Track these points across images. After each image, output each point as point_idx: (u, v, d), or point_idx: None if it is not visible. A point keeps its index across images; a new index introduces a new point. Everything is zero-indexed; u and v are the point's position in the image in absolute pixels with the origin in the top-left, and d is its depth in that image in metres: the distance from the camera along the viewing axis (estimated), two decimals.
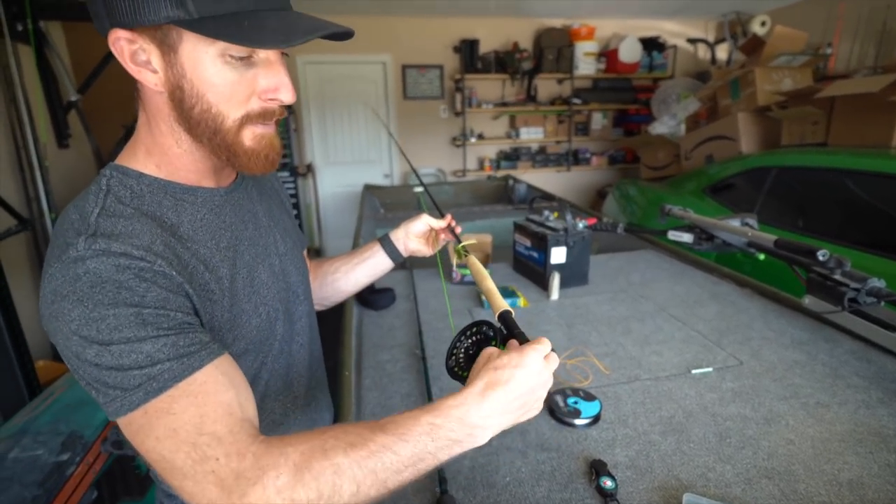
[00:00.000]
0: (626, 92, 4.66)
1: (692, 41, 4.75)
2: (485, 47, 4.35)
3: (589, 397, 0.81)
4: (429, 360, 0.96)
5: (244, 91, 0.50)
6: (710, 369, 0.91)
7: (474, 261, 0.73)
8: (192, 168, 0.55)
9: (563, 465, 0.68)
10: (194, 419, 0.42)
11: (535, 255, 1.43)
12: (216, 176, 0.58)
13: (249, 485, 0.39)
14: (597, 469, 0.65)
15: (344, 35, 0.51)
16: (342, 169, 4.55)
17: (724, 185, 2.72)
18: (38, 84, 2.24)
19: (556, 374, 0.89)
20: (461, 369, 0.55)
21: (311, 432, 0.43)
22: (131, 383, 0.42)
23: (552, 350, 0.52)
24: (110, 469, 0.93)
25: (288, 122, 3.83)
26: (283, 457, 0.40)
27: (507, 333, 0.56)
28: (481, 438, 0.46)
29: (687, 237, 1.33)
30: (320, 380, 0.77)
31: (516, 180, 3.25)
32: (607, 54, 4.52)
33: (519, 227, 1.52)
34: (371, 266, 0.85)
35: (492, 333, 0.56)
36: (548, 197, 2.86)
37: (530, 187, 3.19)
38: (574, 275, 1.39)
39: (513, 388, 0.46)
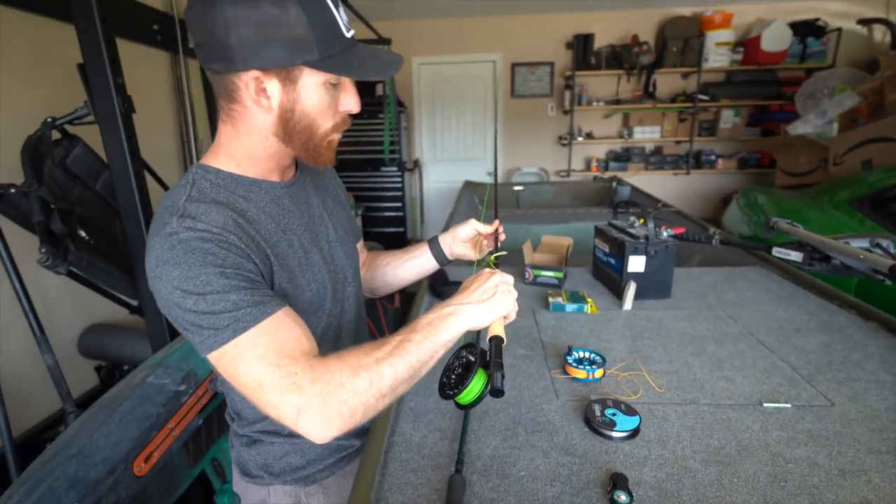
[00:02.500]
0: (767, 86, 4.10)
1: (865, 22, 3.96)
2: (600, 42, 4.16)
3: (630, 411, 0.78)
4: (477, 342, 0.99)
5: (333, 108, 0.64)
6: (787, 405, 0.81)
7: None
8: (265, 167, 0.68)
9: (583, 471, 0.67)
10: (275, 348, 0.54)
11: (612, 261, 1.37)
12: (281, 174, 0.71)
13: (324, 386, 0.52)
14: (615, 482, 0.63)
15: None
16: (447, 165, 4.72)
17: (885, 196, 2.27)
18: (200, 91, 2.73)
19: (603, 385, 0.87)
20: (450, 388, 0.59)
21: (353, 349, 0.57)
22: (222, 324, 0.53)
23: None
24: (217, 407, 1.15)
25: (399, 120, 4.08)
26: (342, 362, 0.54)
27: (487, 363, 0.59)
28: (463, 313, 0.62)
29: (795, 255, 1.16)
30: None
31: (620, 182, 3.08)
32: (745, 43, 4.02)
33: (599, 232, 1.46)
34: (417, 264, 0.92)
35: (472, 358, 0.60)
36: (653, 201, 2.66)
37: (635, 190, 2.99)
38: (654, 286, 1.30)
39: (476, 287, 0.65)
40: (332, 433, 0.53)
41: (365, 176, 4.26)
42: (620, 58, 4.11)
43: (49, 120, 1.17)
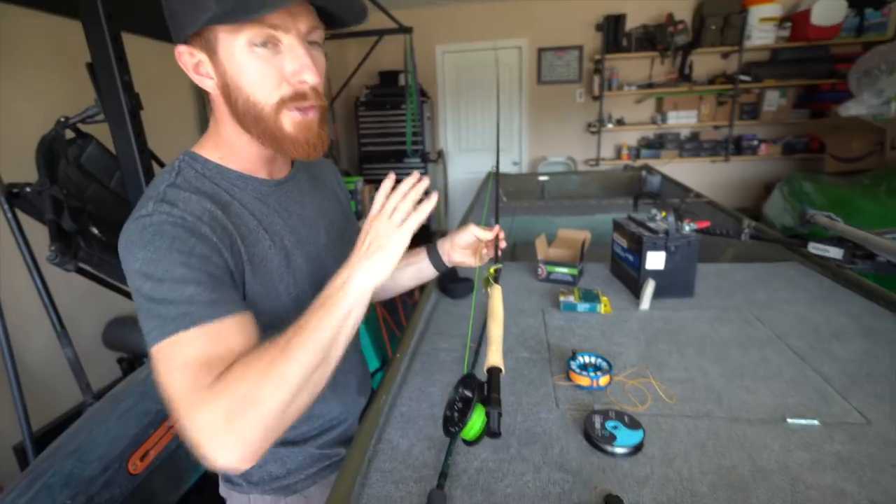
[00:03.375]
0: (818, 63, 3.79)
1: None
2: (632, 23, 3.96)
3: (633, 425, 0.72)
4: (480, 357, 0.95)
5: (273, 76, 0.55)
6: (815, 422, 0.73)
7: (497, 295, 0.69)
8: (249, 159, 0.64)
9: (575, 491, 0.62)
10: (204, 356, 0.49)
11: (629, 257, 1.29)
12: (269, 168, 0.67)
13: (227, 397, 0.47)
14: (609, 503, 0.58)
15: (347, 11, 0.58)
16: (472, 155, 4.65)
17: None
18: None
19: (607, 393, 0.82)
20: (453, 424, 0.55)
21: (253, 352, 0.51)
22: (171, 314, 0.50)
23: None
24: None
25: (422, 109, 4.03)
26: (241, 373, 0.49)
27: (486, 395, 0.53)
28: (357, 273, 0.56)
29: (835, 252, 1.06)
30: (354, 365, 0.83)
31: (650, 171, 2.93)
32: (793, 18, 3.72)
33: (617, 226, 1.38)
34: (415, 271, 0.89)
35: (469, 394, 0.55)
36: (683, 191, 2.52)
37: (666, 179, 2.84)
38: (675, 284, 1.22)
39: (361, 241, 0.59)
40: (240, 453, 0.46)
41: (388, 167, 4.25)
42: (654, 39, 3.89)
43: (62, 119, 1.20)
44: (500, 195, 3.55)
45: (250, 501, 0.75)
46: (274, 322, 0.65)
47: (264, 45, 0.53)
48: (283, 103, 0.57)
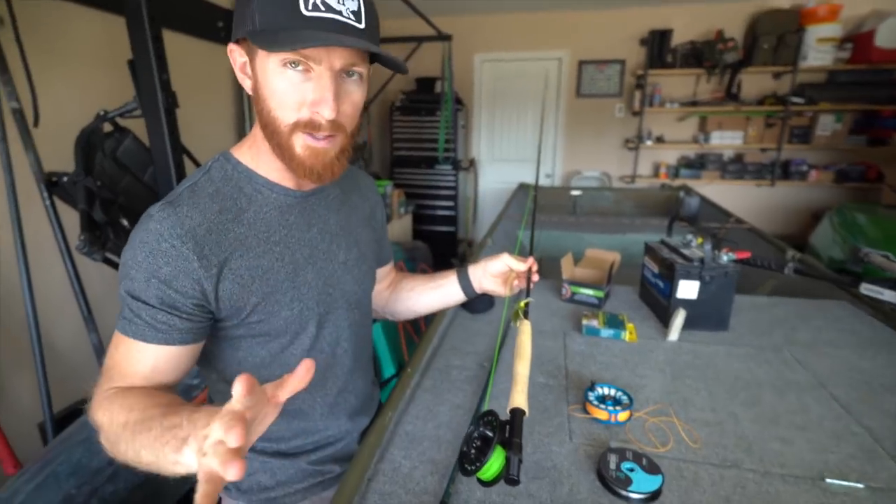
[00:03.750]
0: (880, 87, 3.57)
1: None
2: (679, 38, 3.84)
3: (652, 468, 0.67)
4: (494, 377, 0.91)
5: (295, 99, 0.55)
6: (860, 485, 0.66)
7: (526, 331, 0.66)
8: (275, 166, 0.63)
9: None
10: (116, 363, 0.57)
11: (660, 284, 1.22)
12: (295, 178, 0.65)
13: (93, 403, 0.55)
14: None
15: (379, 57, 0.58)
16: (505, 166, 4.61)
17: None
18: None
19: (627, 430, 0.77)
20: (470, 463, 0.52)
21: (131, 397, 0.53)
22: (122, 314, 0.57)
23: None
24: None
25: (456, 117, 4.03)
26: (108, 411, 0.52)
27: (507, 440, 0.50)
28: (185, 450, 0.39)
29: (890, 296, 0.97)
30: (360, 386, 0.81)
31: (689, 192, 2.81)
32: (855, 39, 3.52)
33: (649, 250, 1.32)
34: (443, 294, 0.87)
35: (490, 433, 0.52)
36: (724, 215, 2.40)
37: (705, 201, 2.72)
38: (708, 316, 1.14)
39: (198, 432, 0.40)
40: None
41: (419, 173, 4.26)
42: (701, 55, 3.76)
43: (101, 113, 1.25)
44: (530, 205, 3.50)
45: None
46: (270, 332, 0.64)
47: (295, 66, 0.54)
48: (297, 126, 0.56)
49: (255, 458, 0.72)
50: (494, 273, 0.82)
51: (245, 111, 2.56)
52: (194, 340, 0.59)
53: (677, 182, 3.86)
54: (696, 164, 4.02)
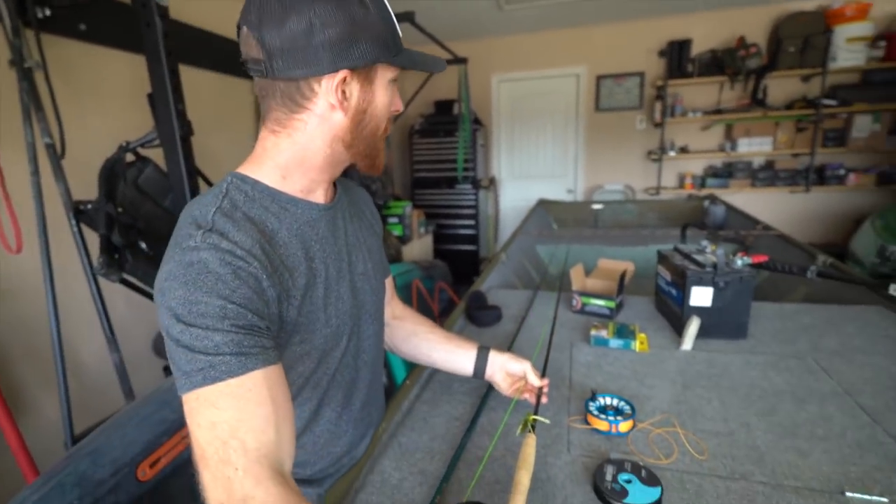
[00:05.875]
0: None
1: None
2: (699, 47, 3.79)
3: (651, 480, 0.63)
4: (493, 391, 0.90)
5: (390, 106, 0.64)
6: (884, 500, 0.60)
7: (531, 444, 0.66)
8: (315, 179, 0.63)
9: None
10: (232, 420, 0.46)
11: (673, 292, 1.18)
12: (325, 192, 0.66)
13: None
14: None
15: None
16: (526, 183, 4.60)
17: None
18: None
19: (629, 441, 0.73)
20: None
21: None
22: (195, 367, 0.47)
23: None
24: None
25: (475, 137, 4.07)
26: None
27: None
28: None
29: None
30: (377, 396, 0.81)
31: (714, 201, 2.72)
32: (889, 36, 3.38)
33: (662, 258, 1.28)
34: (453, 360, 0.87)
35: None
36: (751, 222, 2.30)
37: (731, 210, 2.62)
38: (724, 324, 1.09)
39: None
40: None
41: (439, 193, 4.30)
42: (722, 63, 3.68)
43: (124, 144, 1.34)
44: (551, 222, 3.46)
45: None
46: (310, 351, 0.63)
47: (394, 82, 0.63)
48: (386, 130, 0.65)
49: None
50: (510, 372, 0.85)
51: None
52: (281, 361, 0.54)
53: (704, 192, 3.75)
54: (724, 173, 3.89)
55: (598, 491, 0.63)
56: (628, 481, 0.63)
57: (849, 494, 0.61)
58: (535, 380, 0.82)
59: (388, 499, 0.65)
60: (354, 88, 0.58)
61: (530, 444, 0.65)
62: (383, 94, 0.61)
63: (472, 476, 0.68)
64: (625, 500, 0.60)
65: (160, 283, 0.51)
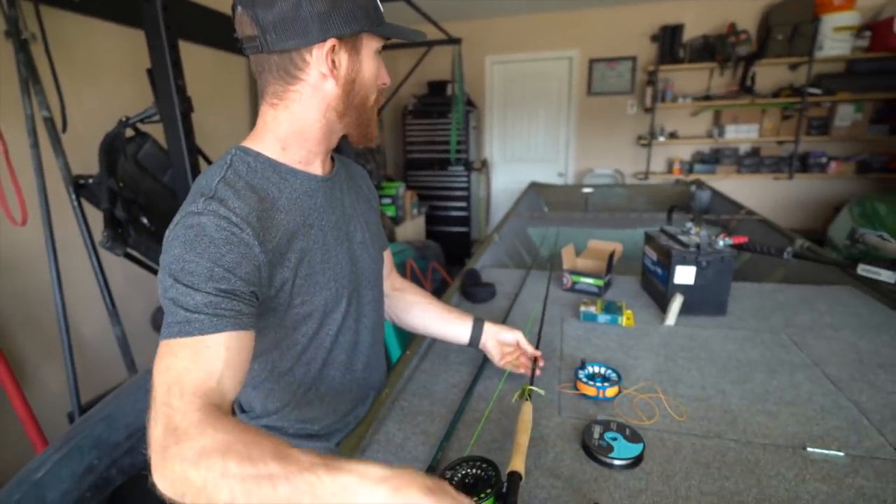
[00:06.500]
0: None
1: None
2: (690, 33, 3.82)
3: (634, 438, 0.69)
4: (488, 362, 0.95)
5: (377, 77, 0.68)
6: (840, 453, 0.67)
7: (527, 410, 0.71)
8: (312, 150, 0.68)
9: (562, 496, 0.61)
10: (181, 369, 0.49)
11: (658, 271, 1.24)
12: (322, 163, 0.71)
13: (174, 442, 0.44)
14: None
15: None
16: (517, 166, 4.63)
17: None
18: None
19: (615, 406, 0.79)
20: (450, 482, 0.57)
21: (242, 428, 0.45)
22: (175, 319, 0.52)
23: None
24: None
25: (468, 119, 4.07)
26: (202, 436, 0.43)
27: (504, 494, 0.54)
28: (359, 493, 0.40)
29: (887, 276, 0.97)
30: (378, 360, 0.86)
31: (700, 186, 2.79)
32: (873, 27, 3.44)
33: (649, 238, 1.33)
34: (451, 330, 0.92)
35: (491, 480, 0.57)
36: (735, 207, 2.38)
37: (717, 195, 2.70)
38: (705, 301, 1.16)
39: (393, 481, 0.40)
40: (166, 492, 0.43)
41: (432, 175, 4.32)
42: (713, 50, 3.72)
43: (123, 119, 1.34)
44: (542, 205, 3.51)
45: None
46: (312, 313, 0.69)
47: (379, 53, 0.67)
48: (375, 101, 0.69)
49: (290, 439, 0.76)
50: (503, 341, 0.90)
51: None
52: (254, 327, 0.57)
53: (691, 177, 3.82)
54: (711, 159, 3.97)
55: (587, 447, 0.69)
56: (614, 439, 0.69)
57: (809, 449, 0.68)
58: (528, 348, 0.87)
59: (393, 456, 0.70)
60: (343, 57, 0.62)
61: (527, 410, 0.71)
62: (370, 64, 0.65)
63: (471, 436, 0.73)
64: (610, 455, 0.66)
65: (165, 241, 0.56)
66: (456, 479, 0.59)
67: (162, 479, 0.44)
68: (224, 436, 0.43)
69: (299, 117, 0.65)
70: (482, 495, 0.56)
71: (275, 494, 0.40)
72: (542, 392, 0.81)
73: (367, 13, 0.61)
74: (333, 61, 0.61)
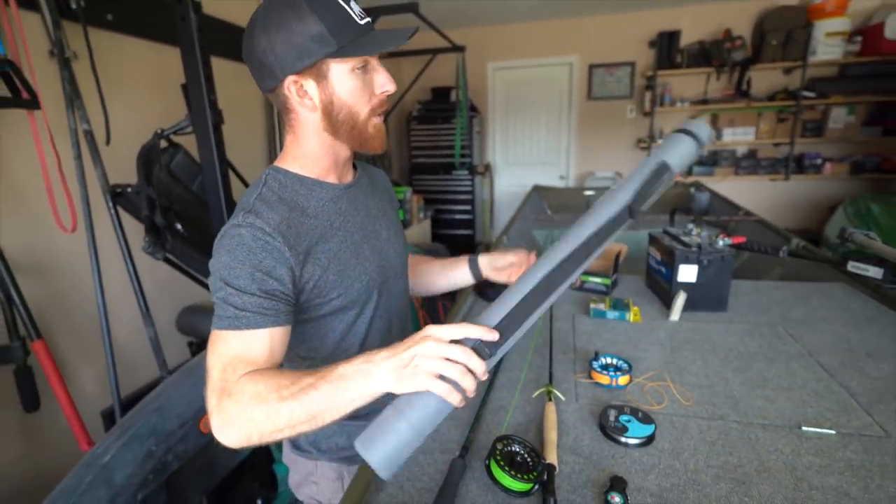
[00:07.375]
0: (891, 79, 3.57)
1: None
2: (687, 39, 3.91)
3: (646, 420, 0.77)
4: (507, 357, 1.02)
5: (368, 92, 0.72)
6: (832, 431, 0.75)
7: (551, 410, 0.79)
8: (324, 166, 0.77)
9: (585, 471, 0.68)
10: (233, 354, 0.62)
11: (663, 270, 1.32)
12: (339, 174, 0.80)
13: (226, 396, 0.59)
14: (613, 483, 0.64)
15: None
16: (520, 169, 4.72)
17: None
18: None
19: (627, 393, 0.87)
20: (499, 467, 0.65)
21: (275, 375, 0.59)
22: (225, 314, 0.63)
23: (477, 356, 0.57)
24: None
25: (471, 124, 4.16)
26: (246, 384, 0.58)
27: (545, 483, 0.63)
28: (376, 375, 0.56)
29: (875, 272, 1.05)
30: None
31: (699, 188, 2.88)
32: (864, 32, 3.54)
33: (653, 239, 1.41)
34: (453, 278, 1.01)
35: (538, 467, 0.66)
36: (733, 208, 2.46)
37: (715, 196, 2.78)
38: (707, 298, 1.23)
39: (395, 352, 0.57)
40: (231, 442, 0.58)
41: (436, 179, 4.40)
42: (709, 55, 3.82)
43: (158, 131, 1.42)
44: (545, 208, 3.59)
45: (317, 468, 0.86)
46: (346, 305, 0.77)
47: (362, 68, 0.69)
48: (372, 112, 0.72)
49: (335, 423, 0.83)
50: (498, 267, 0.98)
51: (276, 125, 2.75)
52: (290, 323, 0.68)
53: (690, 179, 3.90)
54: (709, 162, 4.06)
55: (604, 428, 0.77)
56: (628, 421, 0.77)
57: (804, 429, 0.76)
58: (524, 254, 0.96)
59: (429, 438, 0.77)
60: (310, 86, 0.68)
61: (551, 410, 0.79)
62: (346, 83, 0.68)
63: (497, 421, 0.81)
64: (626, 434, 0.74)
65: (214, 250, 0.67)
66: (507, 450, 0.67)
67: (226, 432, 0.58)
68: (268, 380, 0.58)
69: (304, 141, 0.74)
70: (529, 476, 0.64)
71: (320, 395, 0.56)
72: (563, 398, 0.87)
73: (322, 42, 0.64)
74: (305, 92, 0.68)
